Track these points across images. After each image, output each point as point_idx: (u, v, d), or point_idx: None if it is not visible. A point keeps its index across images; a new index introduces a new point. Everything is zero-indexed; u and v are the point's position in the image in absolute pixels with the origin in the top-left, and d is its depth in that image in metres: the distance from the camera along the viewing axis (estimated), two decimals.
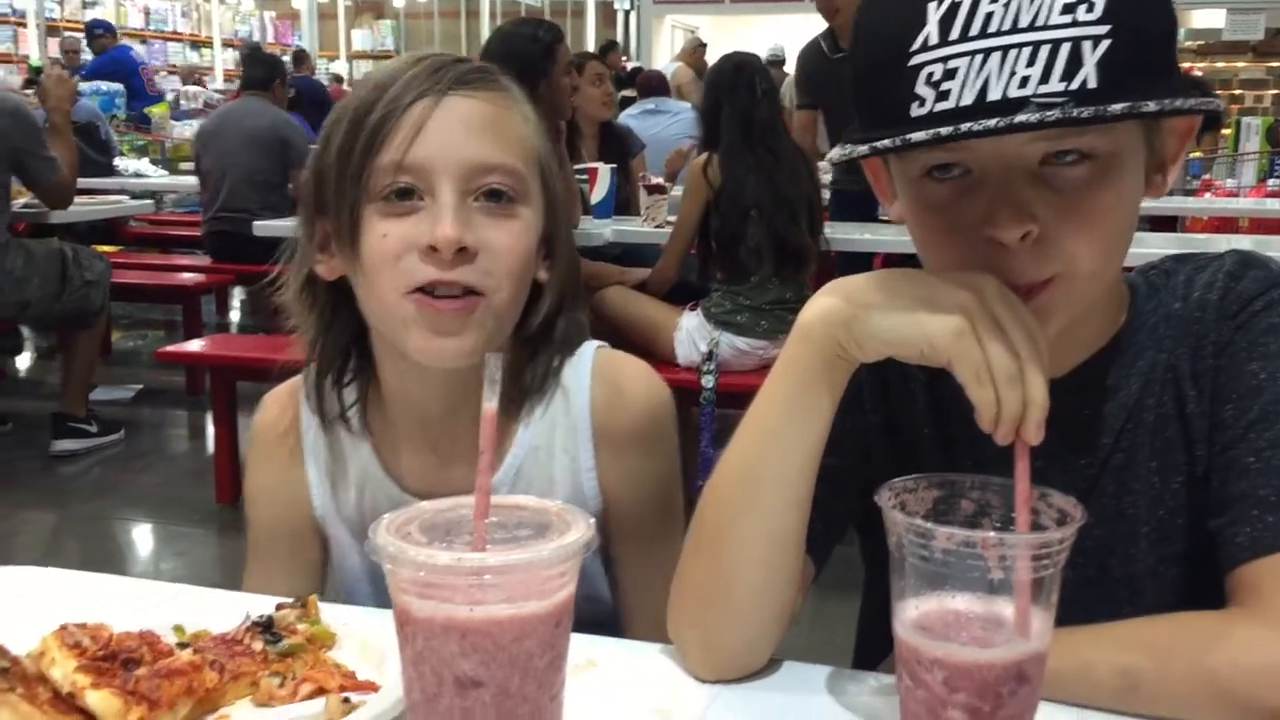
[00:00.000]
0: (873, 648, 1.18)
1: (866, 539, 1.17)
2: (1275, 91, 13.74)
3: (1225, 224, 6.02)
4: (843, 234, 4.45)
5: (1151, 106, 0.80)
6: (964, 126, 0.81)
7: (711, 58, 11.99)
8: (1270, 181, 6.28)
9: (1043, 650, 0.86)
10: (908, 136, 0.83)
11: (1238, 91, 13.27)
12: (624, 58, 14.19)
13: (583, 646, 0.94)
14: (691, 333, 3.90)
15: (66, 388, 4.91)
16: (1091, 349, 1.05)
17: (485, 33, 18.51)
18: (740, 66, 4.01)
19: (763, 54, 12.17)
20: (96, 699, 0.87)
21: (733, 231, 3.85)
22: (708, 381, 3.79)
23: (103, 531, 4.23)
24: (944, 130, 0.81)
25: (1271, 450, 0.96)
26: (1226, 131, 6.89)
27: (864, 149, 0.87)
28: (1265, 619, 0.89)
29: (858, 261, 4.27)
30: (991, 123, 0.80)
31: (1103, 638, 0.93)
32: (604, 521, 1.25)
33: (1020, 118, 0.80)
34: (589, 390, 1.23)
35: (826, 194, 5.23)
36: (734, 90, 3.90)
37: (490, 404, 0.82)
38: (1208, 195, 6.23)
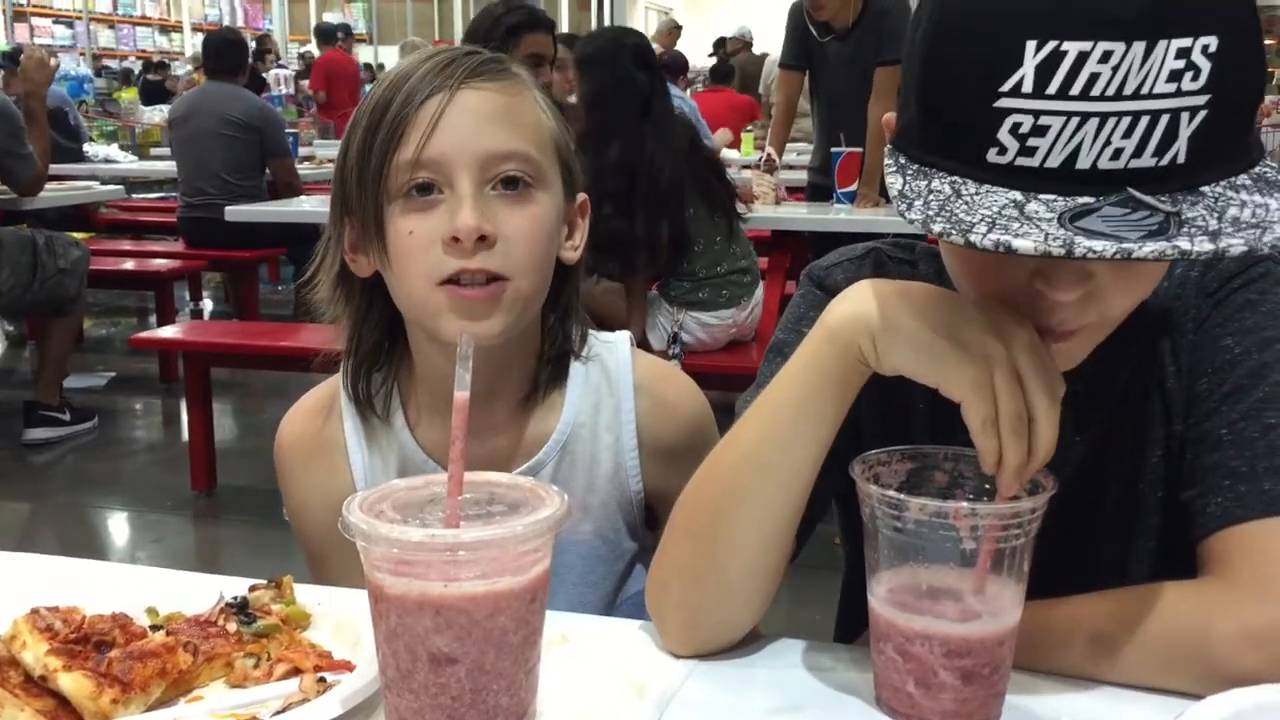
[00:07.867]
0: (854, 622, 1.18)
1: (848, 514, 1.17)
2: None
3: None
4: (818, 214, 4.47)
5: (1239, 248, 0.74)
6: (1077, 250, 0.73)
7: (685, 40, 11.99)
8: None
9: (1016, 619, 0.87)
10: (1012, 244, 0.74)
11: None
12: None
13: (556, 622, 0.94)
14: (657, 316, 3.89)
15: (40, 376, 4.86)
16: None
17: (458, 16, 18.40)
18: (621, 40, 3.88)
19: (730, 35, 12.18)
20: (69, 682, 0.86)
21: (651, 219, 3.67)
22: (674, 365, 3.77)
23: (77, 520, 4.20)
24: (1054, 248, 0.73)
25: (1244, 423, 0.97)
26: None
27: (957, 238, 0.76)
28: (1235, 587, 0.90)
29: (831, 240, 4.26)
30: (1099, 246, 0.73)
31: (1074, 607, 0.94)
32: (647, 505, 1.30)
33: (1125, 247, 0.73)
34: (633, 395, 1.27)
35: (802, 181, 5.22)
36: (616, 64, 3.76)
37: (462, 393, 0.83)
38: None
